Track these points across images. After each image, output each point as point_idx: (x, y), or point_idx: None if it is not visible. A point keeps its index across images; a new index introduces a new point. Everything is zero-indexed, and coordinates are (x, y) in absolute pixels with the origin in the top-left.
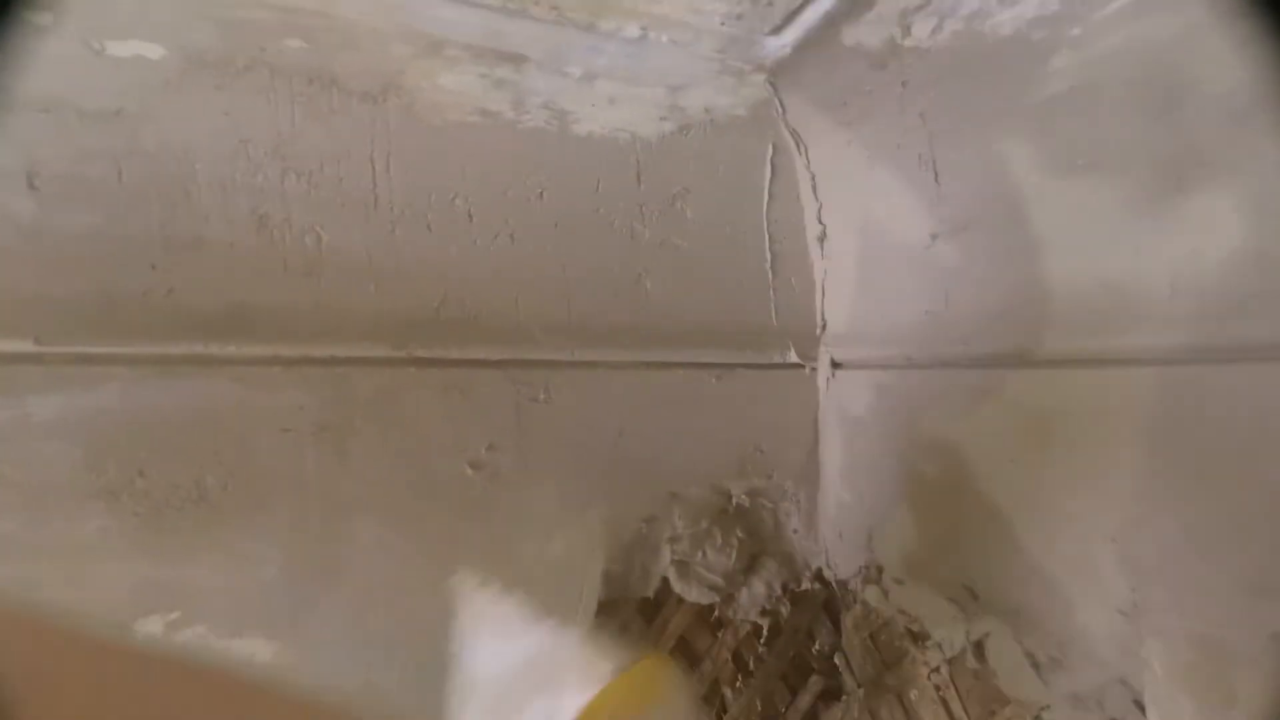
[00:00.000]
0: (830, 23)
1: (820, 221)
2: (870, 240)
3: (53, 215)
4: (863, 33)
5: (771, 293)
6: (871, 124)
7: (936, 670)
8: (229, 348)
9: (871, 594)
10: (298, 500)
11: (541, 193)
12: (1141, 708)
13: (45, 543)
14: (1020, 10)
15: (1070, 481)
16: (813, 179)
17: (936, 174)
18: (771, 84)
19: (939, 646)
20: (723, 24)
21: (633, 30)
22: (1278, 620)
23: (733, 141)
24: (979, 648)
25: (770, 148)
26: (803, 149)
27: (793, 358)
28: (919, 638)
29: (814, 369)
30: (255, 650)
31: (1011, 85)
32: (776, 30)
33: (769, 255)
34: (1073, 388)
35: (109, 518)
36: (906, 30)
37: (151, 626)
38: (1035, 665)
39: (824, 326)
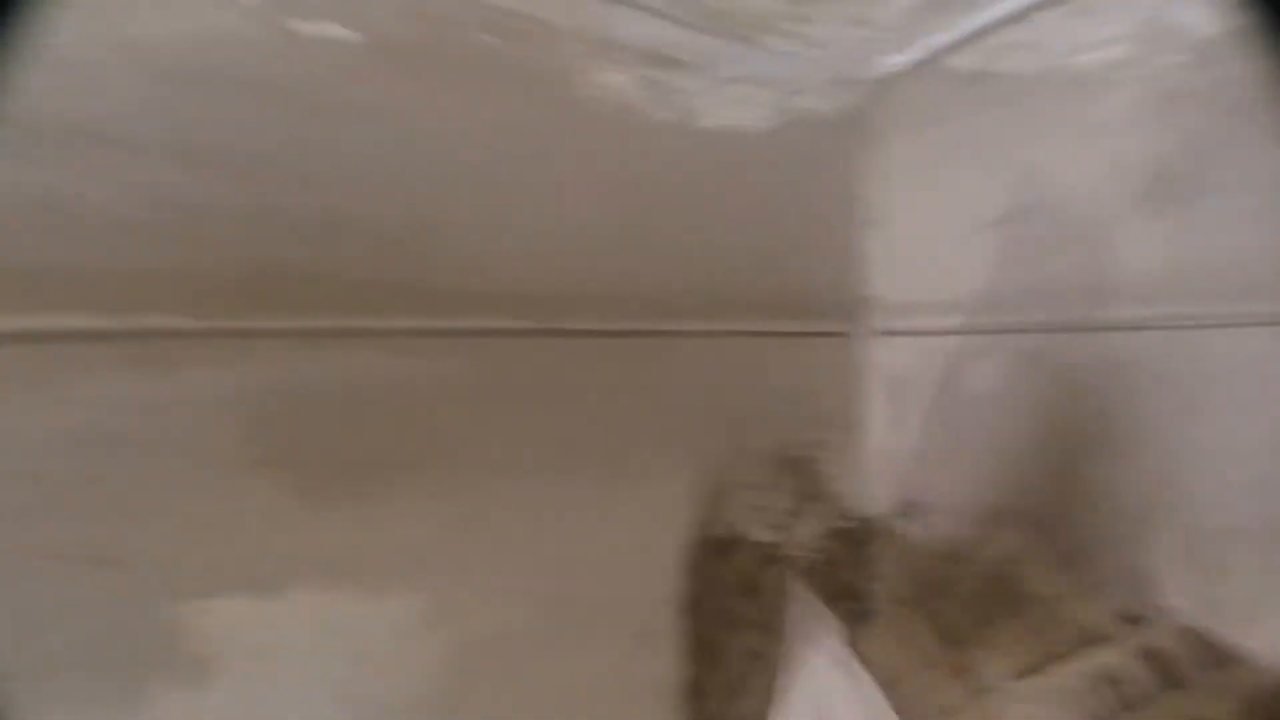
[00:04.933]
0: (937, 53)
1: (882, 208)
2: (928, 226)
3: (207, 192)
4: (960, 60)
5: (828, 268)
6: (946, 128)
7: (966, 584)
8: (379, 320)
9: (907, 526)
10: (446, 464)
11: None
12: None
13: (203, 514)
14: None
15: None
16: (885, 172)
17: (997, 172)
18: (871, 92)
19: (970, 562)
20: (855, 46)
21: (784, 46)
22: None
23: (823, 136)
24: (1011, 560)
25: (854, 143)
26: (882, 145)
27: (841, 326)
28: (952, 559)
29: (860, 335)
30: (409, 603)
31: (1070, 107)
32: (891, 53)
33: (835, 236)
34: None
35: (267, 488)
36: (995, 59)
37: (306, 591)
38: (1063, 567)
39: (873, 298)
